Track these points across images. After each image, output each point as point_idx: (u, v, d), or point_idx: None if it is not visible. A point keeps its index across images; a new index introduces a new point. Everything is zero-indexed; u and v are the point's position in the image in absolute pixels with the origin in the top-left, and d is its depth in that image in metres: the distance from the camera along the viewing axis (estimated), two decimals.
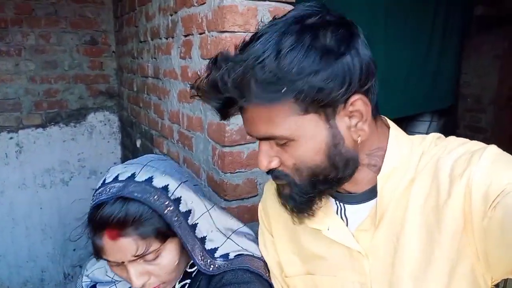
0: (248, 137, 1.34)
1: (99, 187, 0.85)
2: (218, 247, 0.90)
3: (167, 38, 1.85)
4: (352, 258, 0.73)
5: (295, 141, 0.63)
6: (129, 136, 3.02)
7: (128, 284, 0.98)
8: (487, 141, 0.65)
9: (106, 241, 0.81)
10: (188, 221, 0.85)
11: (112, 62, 3.29)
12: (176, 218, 0.82)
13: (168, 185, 0.84)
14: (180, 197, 0.85)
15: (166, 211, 0.81)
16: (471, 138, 0.68)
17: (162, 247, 0.83)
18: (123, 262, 0.82)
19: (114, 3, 3.14)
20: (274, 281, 0.92)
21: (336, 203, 0.76)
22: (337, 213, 0.76)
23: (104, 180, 0.86)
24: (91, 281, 1.03)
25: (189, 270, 0.94)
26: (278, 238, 0.89)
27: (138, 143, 2.67)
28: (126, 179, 0.83)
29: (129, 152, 3.10)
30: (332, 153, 0.64)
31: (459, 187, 0.60)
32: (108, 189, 0.82)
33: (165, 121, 1.99)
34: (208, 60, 1.38)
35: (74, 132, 3.23)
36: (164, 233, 0.82)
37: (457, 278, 0.63)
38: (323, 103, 0.61)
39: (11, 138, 3.03)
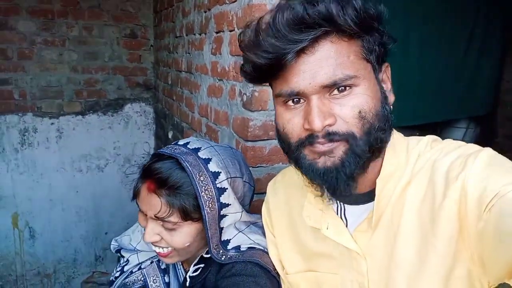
0: (270, 132, 1.38)
1: (171, 144, 0.95)
2: (230, 239, 0.95)
3: (200, 34, 1.90)
4: (351, 258, 0.74)
5: (359, 86, 0.64)
6: (163, 127, 3.11)
7: (149, 254, 1.07)
8: None
9: (143, 190, 0.89)
10: (222, 211, 0.90)
11: (150, 55, 3.40)
12: (210, 205, 0.87)
13: (220, 173, 0.90)
14: (226, 188, 0.90)
15: (203, 193, 0.86)
16: (511, 148, 0.67)
17: (181, 224, 0.88)
18: (146, 215, 0.90)
19: None
20: (281, 280, 0.94)
21: (337, 203, 0.77)
22: (337, 213, 0.77)
23: (178, 141, 0.96)
24: (118, 245, 1.13)
25: (205, 256, 0.99)
26: (280, 236, 0.90)
27: (170, 134, 2.76)
28: (192, 149, 0.91)
29: (161, 143, 3.20)
30: (383, 102, 0.67)
31: (454, 190, 0.60)
32: (174, 148, 0.92)
33: (195, 114, 2.05)
34: (236, 57, 1.42)
35: (111, 121, 3.37)
36: (188, 214, 0.87)
37: (453, 281, 0.63)
38: (379, 55, 0.66)
39: (52, 123, 3.20)
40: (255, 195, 1.41)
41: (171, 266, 1.07)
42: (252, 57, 0.64)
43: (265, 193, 1.44)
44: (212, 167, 0.89)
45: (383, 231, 0.70)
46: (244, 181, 0.98)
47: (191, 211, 0.87)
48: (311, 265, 0.83)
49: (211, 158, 0.90)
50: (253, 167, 1.39)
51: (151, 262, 1.08)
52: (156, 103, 3.40)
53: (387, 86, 0.71)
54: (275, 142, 1.40)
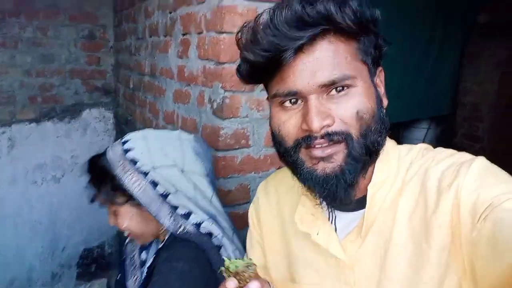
0: (242, 141, 1.30)
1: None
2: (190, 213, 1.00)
3: (165, 36, 1.81)
4: (338, 268, 0.71)
5: (356, 87, 0.63)
6: (124, 134, 2.96)
7: None
8: (483, 150, 0.63)
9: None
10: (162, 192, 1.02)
11: (109, 57, 3.24)
12: (137, 184, 1.02)
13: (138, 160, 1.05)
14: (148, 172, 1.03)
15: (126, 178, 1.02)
16: (468, 147, 0.66)
17: (120, 207, 1.03)
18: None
19: None
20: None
21: (329, 210, 0.74)
22: (329, 219, 0.74)
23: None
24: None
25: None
26: (268, 239, 0.87)
27: None
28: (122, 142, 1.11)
29: None
30: (379, 105, 0.67)
31: (447, 199, 0.60)
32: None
33: (160, 121, 1.95)
34: (205, 61, 1.34)
35: (68, 128, 3.17)
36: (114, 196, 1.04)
37: None
38: (375, 58, 0.67)
39: (3, 132, 2.97)
40: (227, 207, 1.34)
41: (154, 245, 1.11)
42: (249, 55, 0.64)
43: (238, 205, 1.37)
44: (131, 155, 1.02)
45: (373, 240, 0.68)
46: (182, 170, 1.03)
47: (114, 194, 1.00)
48: (294, 273, 0.80)
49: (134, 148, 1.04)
50: (224, 178, 1.31)
51: None
52: (116, 108, 3.25)
53: (381, 90, 0.70)
54: (247, 151, 1.33)
